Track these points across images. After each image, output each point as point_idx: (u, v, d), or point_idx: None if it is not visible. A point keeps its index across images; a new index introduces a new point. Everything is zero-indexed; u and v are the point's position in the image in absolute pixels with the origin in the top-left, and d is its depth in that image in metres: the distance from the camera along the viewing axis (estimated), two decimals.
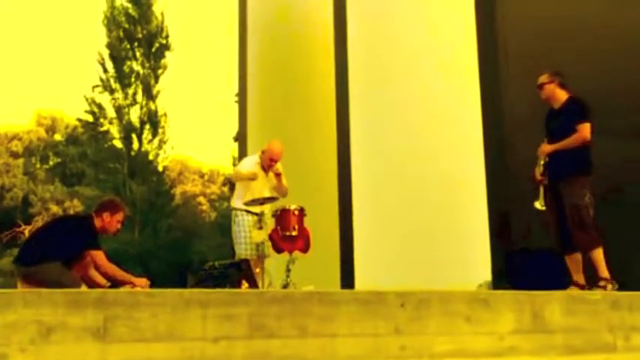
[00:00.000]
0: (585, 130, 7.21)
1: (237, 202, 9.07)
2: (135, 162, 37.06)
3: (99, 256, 7.22)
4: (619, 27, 11.02)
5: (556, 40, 10.64)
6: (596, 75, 10.47)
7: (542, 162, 7.39)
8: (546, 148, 7.38)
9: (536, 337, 4.92)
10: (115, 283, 7.19)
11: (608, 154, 9.36)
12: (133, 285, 7.07)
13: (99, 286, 7.14)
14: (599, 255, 7.05)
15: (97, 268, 7.26)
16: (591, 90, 9.75)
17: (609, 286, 6.79)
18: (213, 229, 37.53)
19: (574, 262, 7.17)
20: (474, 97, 10.56)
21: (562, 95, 7.53)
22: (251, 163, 9.20)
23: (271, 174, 9.01)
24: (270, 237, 8.52)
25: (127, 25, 38.80)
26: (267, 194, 8.85)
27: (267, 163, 9.00)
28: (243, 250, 8.70)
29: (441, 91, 11.04)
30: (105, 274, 7.27)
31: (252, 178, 8.84)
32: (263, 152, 9.10)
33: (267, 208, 8.92)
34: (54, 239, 7.24)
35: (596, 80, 10.36)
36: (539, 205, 7.33)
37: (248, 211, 8.83)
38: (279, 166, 9.02)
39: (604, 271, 7.00)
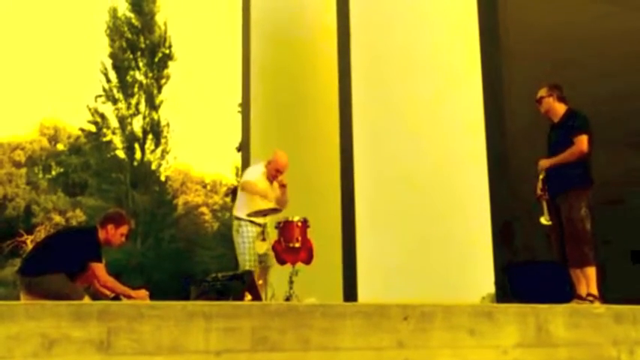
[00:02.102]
0: (582, 142, 7.18)
1: (240, 211, 8.97)
2: (137, 172, 37.06)
3: (99, 268, 7.20)
4: (623, 35, 11.04)
5: (561, 49, 10.66)
6: (600, 82, 10.50)
7: (540, 177, 7.37)
8: (544, 162, 7.37)
9: (540, 351, 4.91)
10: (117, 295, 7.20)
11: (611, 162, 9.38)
12: (131, 298, 7.07)
13: (105, 296, 7.14)
14: (590, 272, 7.04)
15: (96, 280, 7.25)
16: (596, 98, 9.79)
17: (596, 304, 6.75)
18: (216, 239, 37.47)
19: (578, 275, 7.14)
20: (478, 108, 10.57)
21: (560, 108, 7.51)
22: (257, 173, 9.15)
23: (275, 184, 9.00)
24: (273, 248, 8.48)
25: (129, 35, 38.85)
26: (271, 205, 8.82)
27: (273, 174, 8.96)
28: (247, 261, 8.65)
29: (444, 102, 11.05)
30: (103, 287, 7.27)
31: (264, 195, 8.80)
32: (269, 162, 9.06)
33: (269, 219, 8.88)
34: (58, 251, 7.23)
35: (600, 87, 10.39)
36: (544, 220, 7.30)
37: (252, 222, 8.80)
38: (283, 179, 9.00)
39: (594, 289, 6.99)
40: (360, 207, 12.83)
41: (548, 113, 7.58)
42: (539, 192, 7.39)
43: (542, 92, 7.59)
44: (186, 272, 31.02)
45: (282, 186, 8.97)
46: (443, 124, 11.24)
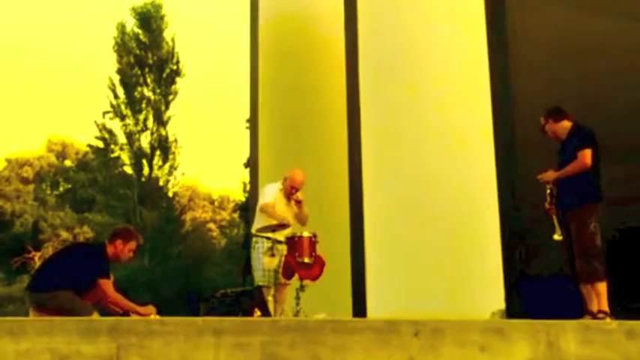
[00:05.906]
0: (586, 156, 7.16)
1: (255, 228, 9.10)
2: (145, 188, 37.04)
3: (106, 285, 7.19)
4: (632, 47, 11.02)
5: (569, 60, 10.65)
6: (608, 95, 10.48)
7: (547, 191, 7.36)
8: (548, 175, 7.36)
9: None
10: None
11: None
12: (138, 314, 7.06)
13: (115, 312, 7.13)
14: (601, 288, 7.02)
15: (104, 296, 7.23)
16: (604, 111, 9.77)
17: (607, 320, 6.70)
18: (223, 255, 37.42)
19: (588, 291, 7.10)
20: (487, 123, 10.56)
21: (564, 127, 7.52)
22: (274, 191, 9.21)
23: (293, 201, 9.11)
24: (287, 262, 8.44)
25: (137, 51, 38.92)
26: (279, 220, 8.83)
27: (289, 191, 9.11)
28: (260, 277, 8.70)
29: (453, 119, 11.01)
30: (110, 304, 7.26)
31: (282, 223, 8.75)
32: (285, 179, 9.19)
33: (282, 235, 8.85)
34: (66, 267, 7.22)
35: (607, 101, 10.37)
36: (557, 236, 7.27)
37: (268, 238, 8.81)
38: (299, 195, 9.07)
39: (604, 305, 6.96)
40: (368, 221, 12.78)
41: (556, 136, 7.60)
42: (547, 206, 7.37)
43: (541, 121, 7.64)
44: (194, 288, 30.97)
45: (298, 202, 9.07)
46: (451, 138, 11.20)
